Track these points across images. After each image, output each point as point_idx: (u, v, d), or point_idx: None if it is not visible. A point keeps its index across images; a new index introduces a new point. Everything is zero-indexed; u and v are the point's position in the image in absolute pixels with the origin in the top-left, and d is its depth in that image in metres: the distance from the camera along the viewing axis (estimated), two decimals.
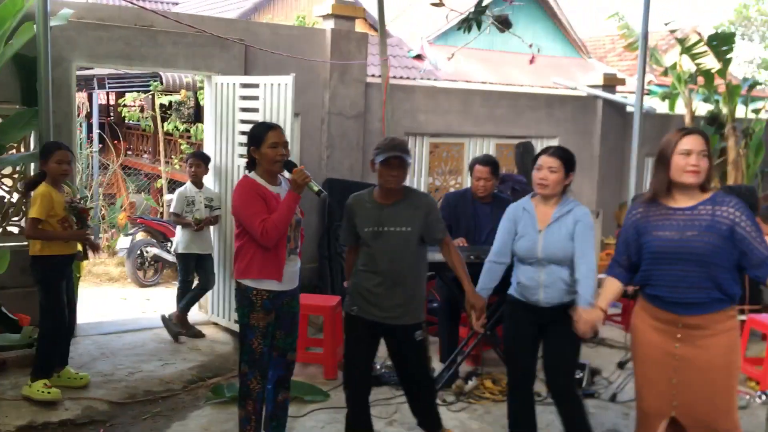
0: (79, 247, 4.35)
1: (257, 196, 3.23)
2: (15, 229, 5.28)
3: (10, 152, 5.26)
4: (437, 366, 4.94)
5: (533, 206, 3.37)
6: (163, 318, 5.51)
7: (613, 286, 3.03)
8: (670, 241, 2.77)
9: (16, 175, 5.24)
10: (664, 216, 2.82)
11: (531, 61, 6.80)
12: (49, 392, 4.14)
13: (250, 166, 3.37)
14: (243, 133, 5.41)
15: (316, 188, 3.26)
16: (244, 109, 5.39)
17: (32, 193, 4.17)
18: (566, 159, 3.29)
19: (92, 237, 4.36)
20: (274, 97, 5.09)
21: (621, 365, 5.04)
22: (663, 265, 2.79)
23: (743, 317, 5.20)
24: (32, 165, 5.21)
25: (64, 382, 4.36)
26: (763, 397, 4.58)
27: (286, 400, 3.59)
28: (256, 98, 5.26)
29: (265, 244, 3.19)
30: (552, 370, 3.34)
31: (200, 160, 5.57)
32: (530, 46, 7.06)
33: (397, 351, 3.48)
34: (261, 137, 3.27)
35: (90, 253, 4.51)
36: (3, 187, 5.27)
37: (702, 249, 2.71)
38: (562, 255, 3.24)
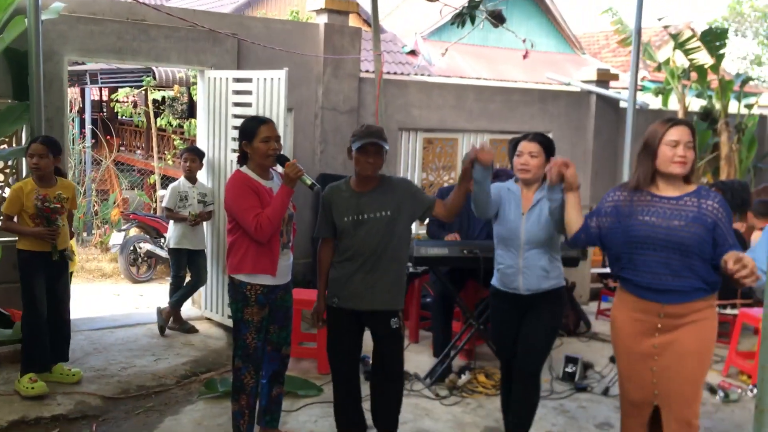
0: (49, 247, 4.24)
1: (250, 190, 3.21)
2: None
3: (2, 147, 5.24)
4: (430, 360, 4.96)
5: (519, 189, 3.41)
6: (158, 310, 5.50)
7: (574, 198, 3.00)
8: (656, 227, 2.77)
9: (7, 170, 5.21)
10: (650, 203, 2.83)
11: (525, 56, 6.81)
12: (32, 387, 4.11)
13: (242, 160, 3.35)
14: (236, 128, 5.34)
15: (309, 182, 3.24)
16: (237, 104, 5.37)
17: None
18: (546, 144, 3.36)
19: (58, 238, 4.21)
20: (267, 91, 5.08)
21: (613, 359, 5.05)
22: (647, 251, 2.79)
23: (735, 311, 5.23)
24: (23, 160, 5.18)
25: (56, 377, 4.34)
26: (755, 391, 4.60)
27: (280, 395, 3.61)
28: (249, 93, 5.24)
29: (259, 239, 3.18)
30: (523, 354, 3.37)
31: (195, 155, 5.55)
32: (524, 41, 7.08)
33: (374, 341, 3.42)
34: (253, 131, 3.25)
35: (73, 255, 4.48)
36: None
37: (688, 239, 2.73)
38: (545, 236, 3.28)
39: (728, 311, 5.31)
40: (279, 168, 3.37)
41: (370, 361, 4.80)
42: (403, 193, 3.32)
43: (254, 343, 3.32)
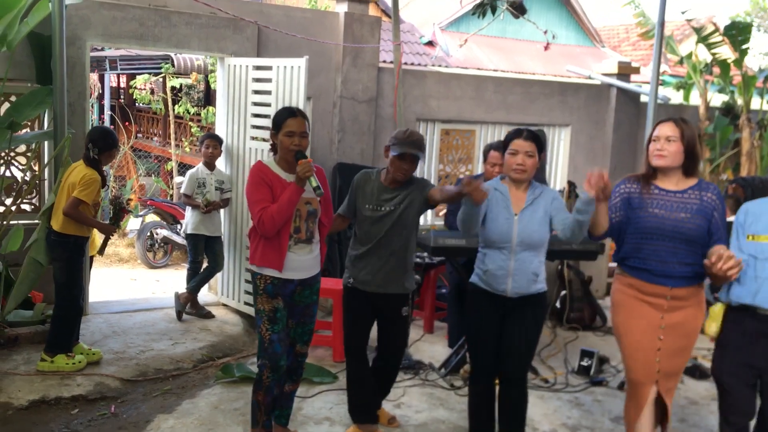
0: (98, 241, 4.44)
1: (263, 182, 3.15)
2: (28, 207, 5.31)
3: (24, 131, 5.29)
4: (445, 351, 4.96)
5: (507, 189, 3.26)
6: (176, 295, 5.56)
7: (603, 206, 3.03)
8: (664, 219, 3.01)
9: (29, 154, 5.27)
10: (657, 196, 3.05)
11: (546, 48, 6.76)
12: (75, 362, 4.30)
13: (275, 149, 3.29)
14: (255, 115, 5.41)
15: (314, 184, 3.10)
16: (256, 92, 5.38)
17: (84, 174, 4.17)
18: (539, 142, 3.24)
19: (114, 235, 4.49)
20: (287, 79, 5.08)
21: None
22: (655, 240, 3.02)
23: None
24: (45, 144, 5.23)
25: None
26: None
27: (292, 392, 3.53)
28: (268, 80, 5.25)
29: (262, 232, 3.13)
30: (510, 357, 3.26)
31: (216, 142, 5.58)
32: (545, 32, 7.02)
33: (382, 322, 3.63)
34: (280, 123, 3.18)
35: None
36: (17, 165, 5.30)
37: (694, 231, 2.98)
38: (538, 238, 3.19)
39: None
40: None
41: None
42: (421, 190, 3.49)
43: (268, 335, 3.20)
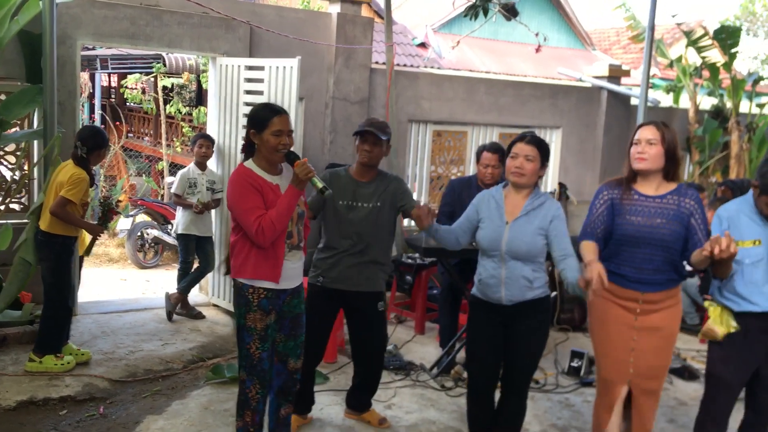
0: (87, 241, 4.42)
1: (252, 188, 2.89)
2: (17, 206, 5.28)
3: (14, 130, 5.25)
4: (436, 352, 4.97)
5: (503, 196, 3.20)
6: (167, 295, 5.53)
7: (593, 245, 3.08)
8: (641, 226, 3.02)
9: (18, 153, 5.24)
10: (637, 202, 3.07)
11: (537, 50, 6.78)
12: (64, 363, 4.27)
13: (248, 150, 3.02)
14: (247, 115, 5.39)
15: (320, 185, 2.93)
16: (248, 92, 5.38)
17: (72, 173, 4.13)
18: (543, 149, 3.14)
19: (101, 236, 4.49)
20: (279, 80, 5.08)
21: None
22: (632, 247, 3.04)
23: None
24: (35, 143, 5.20)
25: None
26: None
27: (288, 416, 3.26)
28: (261, 81, 5.24)
29: (260, 243, 2.87)
30: (514, 368, 3.24)
31: (209, 142, 5.57)
32: (536, 35, 7.05)
33: (358, 321, 3.64)
34: (264, 122, 2.92)
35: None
36: (6, 164, 5.27)
37: (669, 236, 2.98)
38: (526, 250, 3.07)
39: None
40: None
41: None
42: (395, 189, 3.54)
43: (258, 354, 2.97)
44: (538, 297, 3.15)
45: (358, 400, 3.86)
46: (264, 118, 2.94)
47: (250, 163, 2.99)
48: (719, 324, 3.08)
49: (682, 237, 2.99)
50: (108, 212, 4.46)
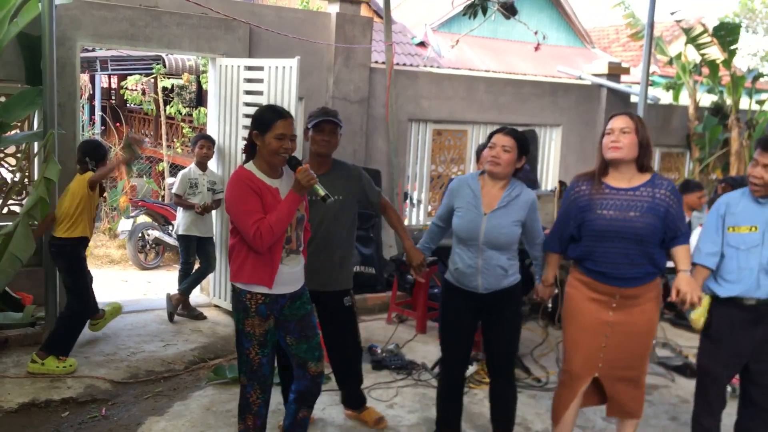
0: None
1: (251, 191, 2.86)
2: (17, 208, 5.28)
3: (14, 131, 5.25)
4: (437, 351, 4.95)
5: (479, 185, 3.25)
6: (168, 296, 5.54)
7: (555, 259, 3.31)
8: (614, 220, 2.97)
9: (19, 154, 5.23)
10: (607, 195, 3.02)
11: (536, 48, 6.78)
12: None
13: (249, 151, 2.99)
14: (247, 116, 5.40)
15: (322, 192, 2.90)
16: (248, 92, 5.37)
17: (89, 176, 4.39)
18: (521, 141, 3.21)
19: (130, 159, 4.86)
20: (279, 80, 5.08)
21: None
22: (606, 242, 2.99)
23: None
24: (35, 144, 5.20)
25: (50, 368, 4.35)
26: None
27: (305, 419, 3.20)
28: (260, 81, 5.23)
29: (256, 247, 2.82)
30: (496, 355, 3.35)
31: (210, 143, 5.57)
32: (536, 33, 7.05)
33: (327, 318, 3.59)
34: (268, 124, 2.88)
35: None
36: (6, 166, 5.27)
37: (643, 230, 2.94)
38: (505, 240, 3.17)
39: None
40: None
41: (378, 350, 4.84)
42: (356, 181, 3.50)
43: (258, 359, 2.95)
44: (511, 284, 3.27)
45: (348, 395, 3.84)
46: (267, 121, 2.90)
47: (250, 166, 2.95)
48: (702, 314, 3.15)
49: (659, 229, 2.95)
50: (129, 145, 4.62)
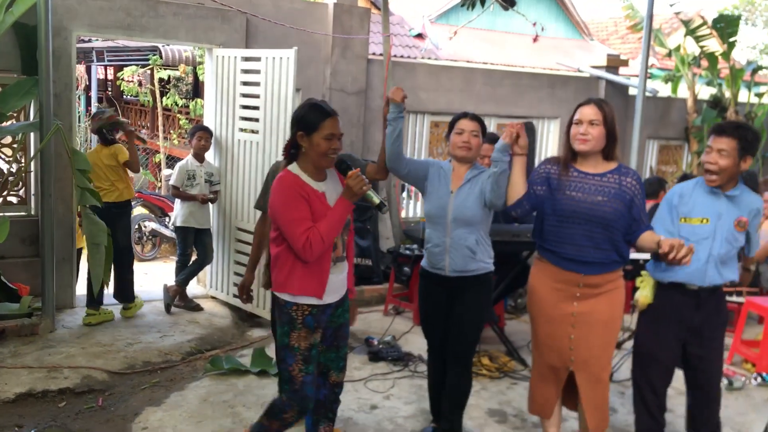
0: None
1: (300, 197, 2.67)
2: (14, 199, 5.26)
3: (9, 122, 5.23)
4: None
5: (451, 169, 3.39)
6: (165, 287, 5.54)
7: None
8: (581, 202, 2.97)
9: (15, 145, 5.22)
10: (575, 178, 3.02)
11: (534, 40, 6.76)
12: (107, 313, 5.11)
13: (290, 153, 2.79)
14: (244, 107, 5.38)
15: (377, 200, 2.73)
16: (245, 83, 5.35)
17: (113, 151, 5.08)
18: (483, 124, 3.40)
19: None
20: (276, 71, 5.05)
21: (618, 345, 5.06)
22: (572, 224, 2.99)
23: (741, 300, 5.23)
24: (31, 135, 5.18)
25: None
26: (759, 379, 4.63)
27: None
28: (257, 72, 5.21)
29: (306, 258, 2.66)
30: (455, 338, 3.38)
31: (208, 134, 5.55)
32: (534, 25, 7.03)
33: None
34: (315, 124, 2.69)
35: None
36: (2, 156, 5.25)
37: (610, 215, 2.93)
38: (471, 214, 3.25)
39: (734, 299, 5.31)
40: None
41: (375, 342, 4.85)
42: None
43: (301, 377, 2.75)
44: (480, 272, 3.32)
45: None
46: (314, 120, 2.70)
47: (296, 169, 2.76)
48: (646, 289, 3.19)
49: (624, 216, 2.95)
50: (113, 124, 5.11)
